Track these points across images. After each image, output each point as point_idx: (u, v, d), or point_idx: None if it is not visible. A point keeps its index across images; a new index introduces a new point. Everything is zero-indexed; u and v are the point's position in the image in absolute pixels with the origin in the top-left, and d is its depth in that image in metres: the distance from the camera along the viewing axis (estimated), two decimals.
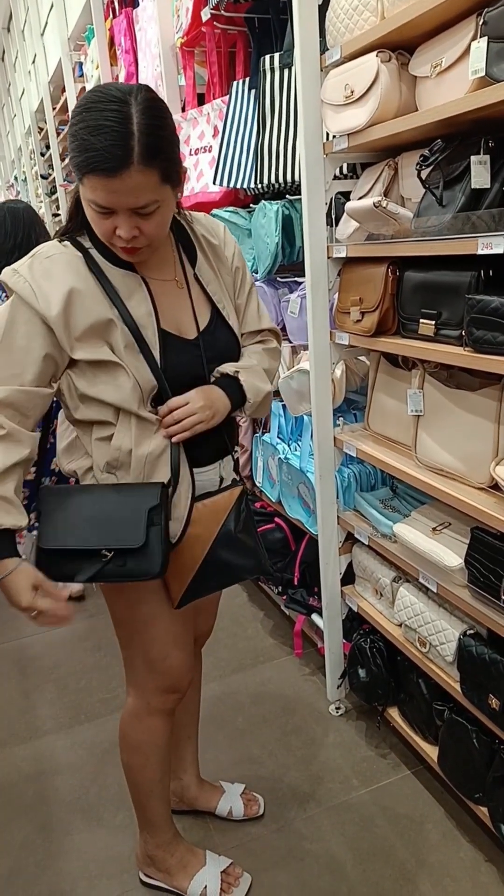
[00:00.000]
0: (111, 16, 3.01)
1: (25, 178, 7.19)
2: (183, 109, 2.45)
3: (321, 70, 1.54)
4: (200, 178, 2.32)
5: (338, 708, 2.00)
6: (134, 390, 1.12)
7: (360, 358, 1.89)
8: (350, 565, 1.93)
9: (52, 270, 1.10)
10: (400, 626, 1.69)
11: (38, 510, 1.17)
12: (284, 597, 2.28)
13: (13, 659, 2.43)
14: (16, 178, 8.20)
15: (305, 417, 1.99)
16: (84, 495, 1.17)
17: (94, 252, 1.13)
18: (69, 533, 1.14)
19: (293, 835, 1.62)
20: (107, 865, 1.58)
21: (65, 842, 1.66)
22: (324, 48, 1.53)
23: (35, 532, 1.17)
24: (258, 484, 2.39)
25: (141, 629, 1.29)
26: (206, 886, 1.46)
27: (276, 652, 2.33)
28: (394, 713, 1.79)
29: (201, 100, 2.38)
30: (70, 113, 1.06)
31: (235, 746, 1.91)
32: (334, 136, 1.55)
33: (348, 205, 1.53)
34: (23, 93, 6.55)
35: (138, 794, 1.43)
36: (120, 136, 0.96)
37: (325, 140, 1.59)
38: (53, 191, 6.15)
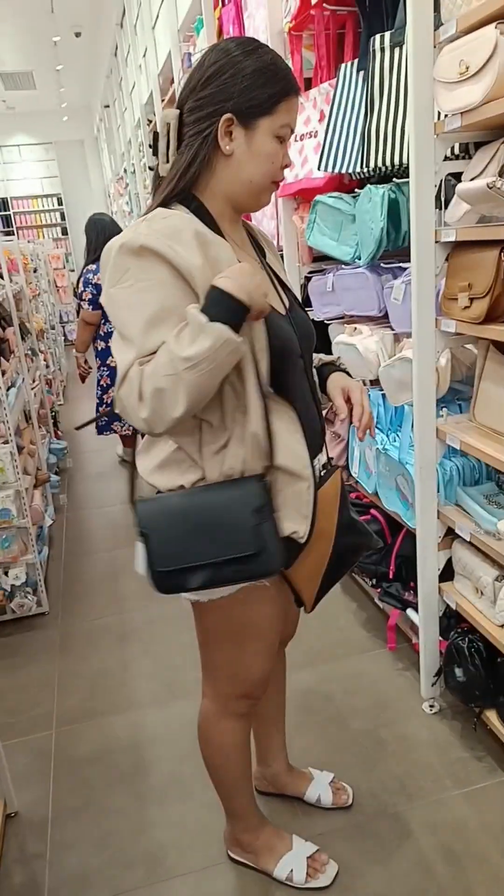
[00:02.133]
0: (220, 5, 3.03)
1: (134, 170, 7.40)
2: None
3: (434, 46, 1.48)
4: (305, 164, 2.29)
5: (432, 706, 1.96)
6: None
7: (466, 346, 1.82)
8: (449, 561, 1.87)
9: (174, 224, 1.03)
10: (501, 626, 1.62)
11: (141, 529, 1.11)
12: (379, 589, 2.25)
13: (115, 632, 2.55)
14: (125, 171, 8.46)
15: (406, 407, 1.94)
16: (187, 504, 1.10)
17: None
18: (183, 550, 1.09)
19: (382, 829, 1.61)
20: (197, 837, 1.63)
21: (158, 811, 1.73)
22: (438, 23, 1.47)
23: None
24: (354, 474, 2.36)
25: (237, 642, 1.27)
26: (291, 870, 1.48)
27: (369, 644, 2.30)
28: (491, 716, 1.72)
29: (308, 84, 2.35)
30: (218, 60, 1.06)
31: (326, 735, 1.92)
32: (446, 116, 1.48)
33: (460, 186, 1.46)
34: (133, 86, 6.73)
35: (222, 788, 1.46)
36: None
37: (436, 120, 1.53)
38: None
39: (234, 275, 0.99)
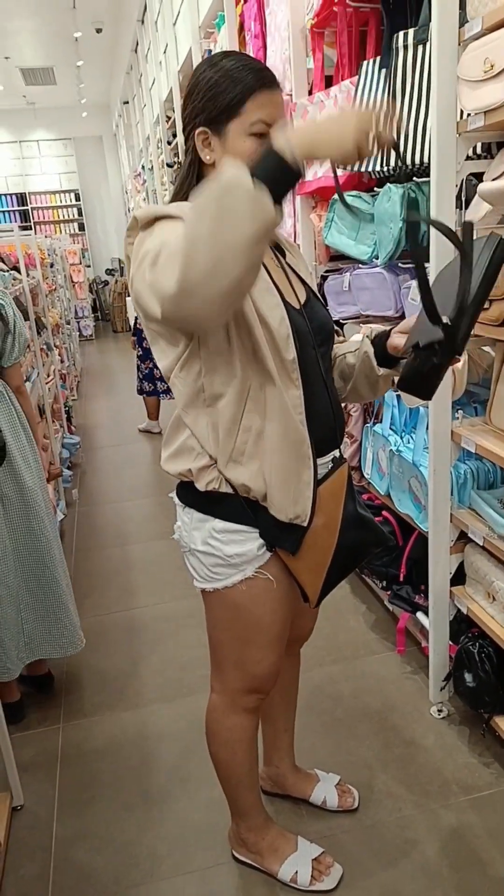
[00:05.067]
0: (242, 1, 3.02)
1: (152, 166, 7.41)
2: (310, 93, 2.42)
3: (459, 44, 1.46)
4: (324, 162, 2.28)
5: (440, 710, 1.94)
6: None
7: (484, 348, 1.80)
8: (461, 565, 1.85)
9: None
10: None
11: None
12: (389, 592, 2.23)
13: (123, 628, 2.55)
14: (143, 167, 8.47)
15: (421, 409, 1.92)
16: None
17: None
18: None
19: (387, 833, 1.60)
20: (202, 836, 1.63)
21: (164, 808, 1.72)
22: (463, 20, 1.45)
23: None
24: (366, 475, 2.35)
25: (243, 634, 1.28)
26: (296, 871, 1.47)
27: (378, 647, 2.29)
28: (501, 722, 1.71)
29: (329, 82, 2.33)
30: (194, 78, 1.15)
31: (332, 737, 1.91)
32: (469, 115, 1.47)
33: (481, 186, 1.45)
34: (153, 83, 6.74)
35: (228, 784, 1.46)
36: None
37: (458, 119, 1.51)
38: None
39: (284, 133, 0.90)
